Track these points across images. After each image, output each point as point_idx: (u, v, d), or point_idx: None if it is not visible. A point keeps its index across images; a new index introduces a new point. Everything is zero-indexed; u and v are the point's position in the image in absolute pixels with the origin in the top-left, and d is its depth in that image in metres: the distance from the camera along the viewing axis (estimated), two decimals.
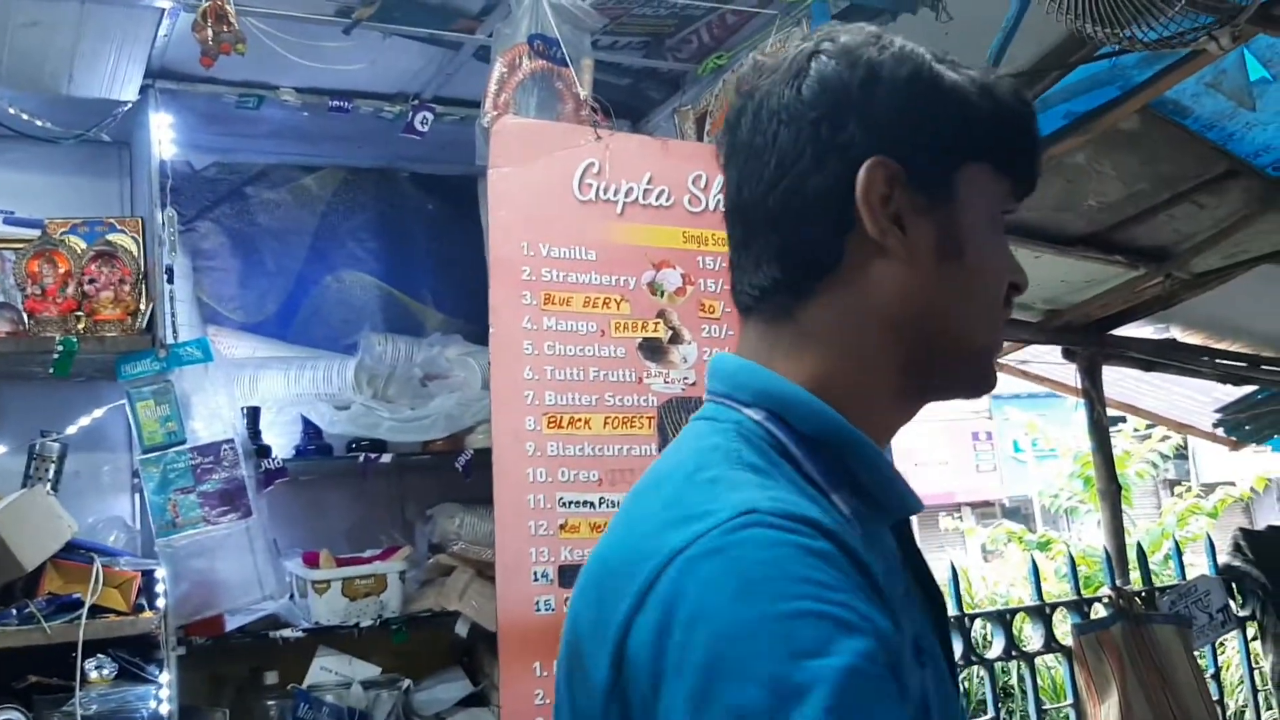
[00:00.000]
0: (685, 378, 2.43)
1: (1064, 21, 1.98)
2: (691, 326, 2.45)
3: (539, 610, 2.21)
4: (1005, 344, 4.92)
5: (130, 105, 2.75)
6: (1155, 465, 8.32)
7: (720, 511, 0.78)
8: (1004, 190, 0.96)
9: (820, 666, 0.69)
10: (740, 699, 0.69)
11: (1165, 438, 8.02)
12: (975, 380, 0.98)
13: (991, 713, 4.04)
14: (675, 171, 2.49)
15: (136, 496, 2.98)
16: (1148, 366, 4.88)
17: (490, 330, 2.30)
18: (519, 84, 2.40)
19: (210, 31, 2.05)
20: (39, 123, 2.74)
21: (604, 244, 2.41)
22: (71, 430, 2.76)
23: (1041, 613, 4.11)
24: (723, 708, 0.69)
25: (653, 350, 2.42)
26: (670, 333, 2.44)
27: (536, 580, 2.22)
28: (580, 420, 2.33)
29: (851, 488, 0.88)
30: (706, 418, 0.94)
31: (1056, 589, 5.88)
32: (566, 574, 2.24)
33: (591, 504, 2.30)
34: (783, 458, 0.88)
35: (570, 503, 2.28)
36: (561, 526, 2.26)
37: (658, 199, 2.47)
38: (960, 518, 10.77)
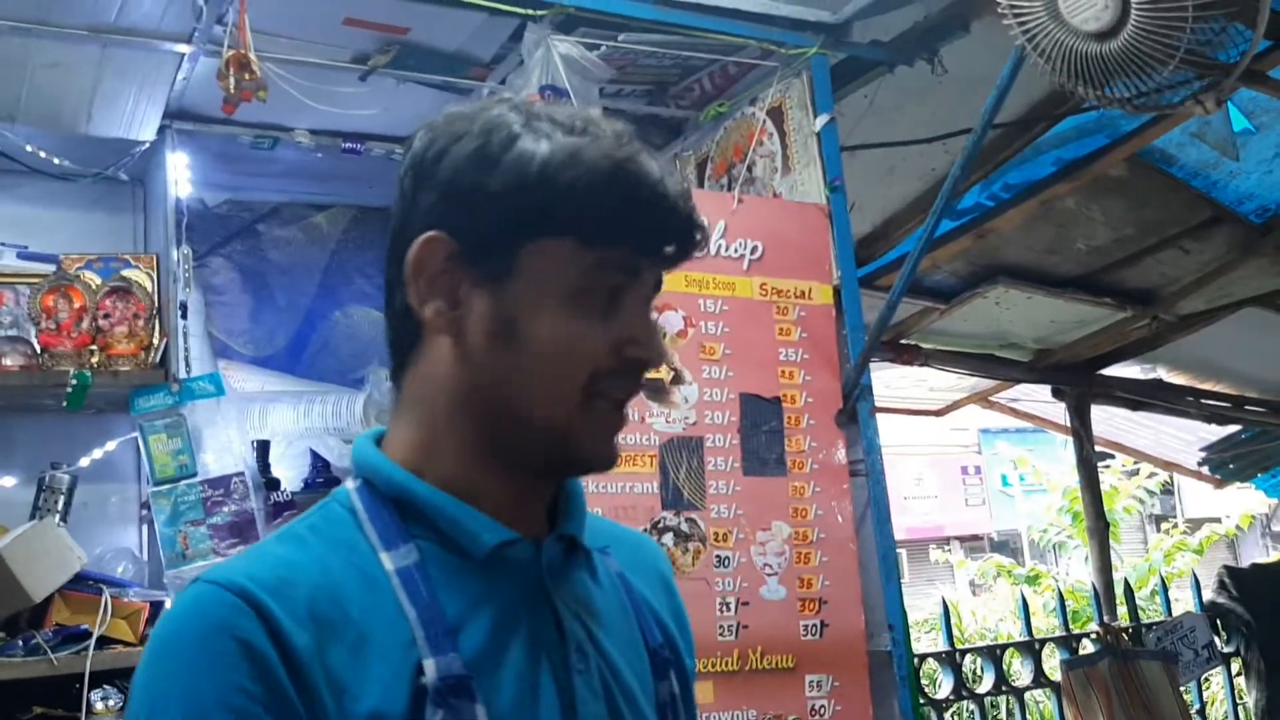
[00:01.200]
0: (686, 418, 2.49)
1: (1054, 82, 2.06)
2: (693, 368, 2.52)
3: None
4: (996, 381, 5.01)
5: (147, 145, 2.82)
6: (1142, 501, 8.40)
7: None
8: (598, 260, 0.92)
9: None
10: None
11: (1152, 474, 8.10)
12: (561, 461, 0.98)
13: None
14: None
15: (145, 528, 3.02)
16: (1135, 406, 4.97)
17: None
18: None
19: (233, 80, 2.12)
20: (56, 160, 2.81)
21: None
22: (84, 463, 2.81)
23: (1031, 648, 4.17)
24: None
25: (655, 391, 2.48)
26: (672, 374, 2.50)
27: None
28: None
29: (433, 539, 0.94)
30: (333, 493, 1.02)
31: (1045, 623, 5.94)
32: None
33: None
34: (351, 524, 0.95)
35: None
36: None
37: None
38: (949, 551, 10.81)
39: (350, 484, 0.99)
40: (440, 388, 0.96)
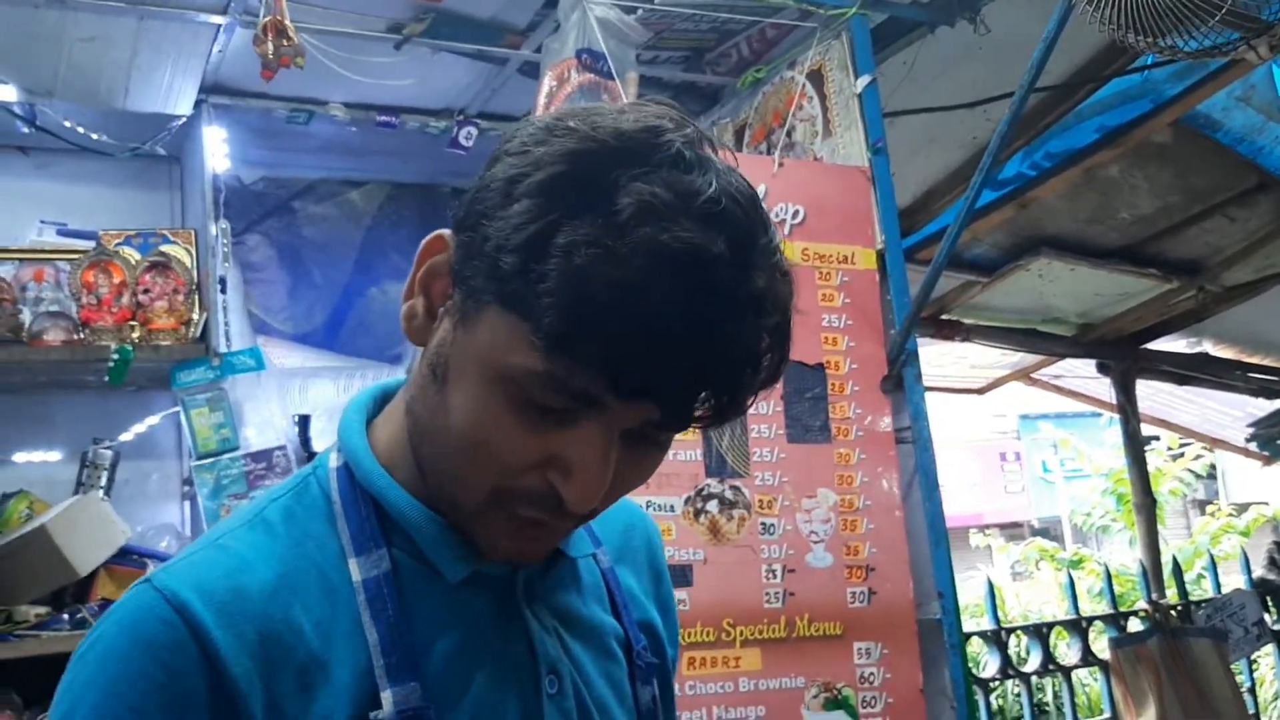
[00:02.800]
0: None
1: (1105, 30, 2.01)
2: None
3: None
4: (1039, 357, 4.94)
5: (184, 119, 2.82)
6: (1188, 484, 8.28)
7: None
8: (550, 373, 0.74)
9: None
10: None
11: (1198, 456, 7.99)
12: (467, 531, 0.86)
13: None
14: None
15: (186, 504, 3.03)
16: (1181, 380, 4.88)
17: None
18: (567, 97, 2.44)
19: (270, 45, 2.11)
20: (94, 136, 2.81)
21: None
22: (126, 437, 2.82)
23: (1078, 627, 4.11)
24: None
25: None
26: None
27: None
28: None
29: (405, 547, 0.86)
30: (318, 456, 0.93)
31: (1090, 607, 5.86)
32: None
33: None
34: (325, 514, 0.87)
35: None
36: None
37: None
38: (990, 535, 10.72)
39: (333, 460, 0.90)
40: (412, 393, 0.87)
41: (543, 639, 0.91)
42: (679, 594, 2.22)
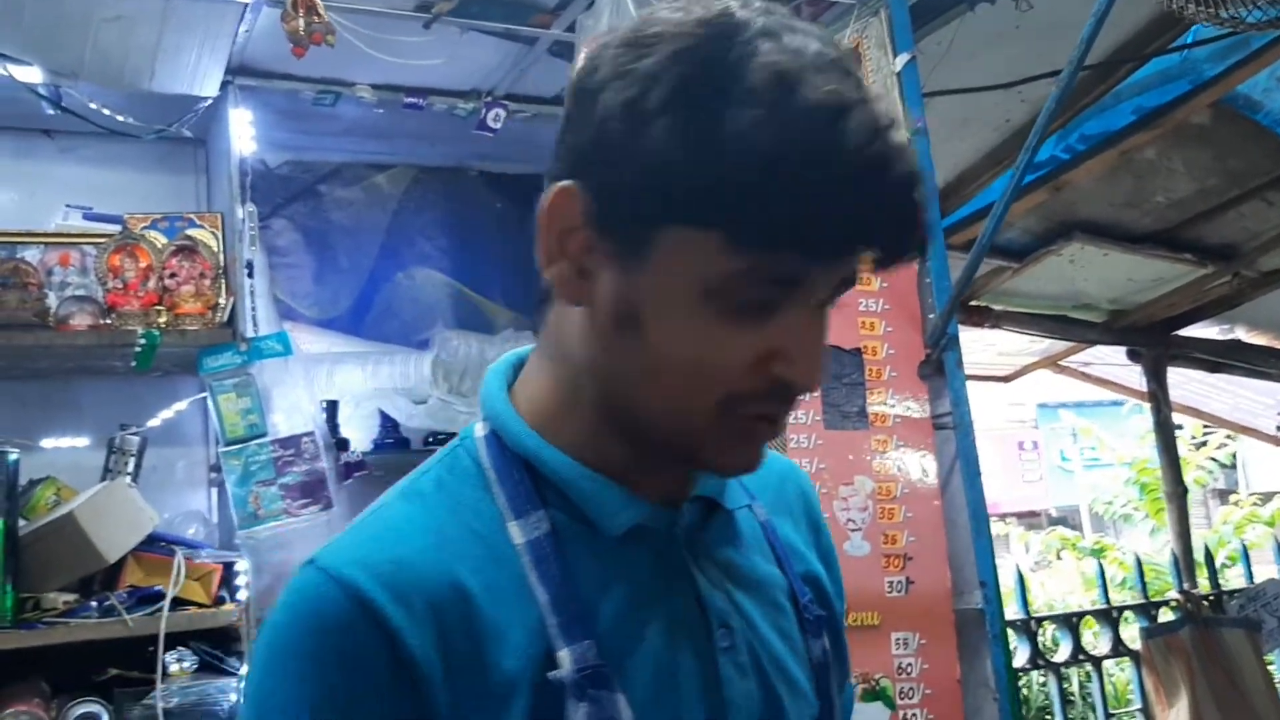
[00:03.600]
0: None
1: (1162, 2, 1.95)
2: None
3: None
4: (1067, 345, 4.88)
5: (209, 101, 2.78)
6: (1211, 473, 8.22)
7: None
8: (750, 267, 0.75)
9: None
10: None
11: (1221, 444, 7.92)
12: (690, 463, 0.88)
13: (1059, 716, 4.00)
14: None
15: (213, 491, 3.00)
16: (1213, 368, 4.83)
17: None
18: None
19: (301, 22, 2.07)
20: (120, 118, 2.77)
21: None
22: (154, 423, 2.79)
23: (1109, 616, 4.07)
24: None
25: None
26: None
27: None
28: None
29: (562, 507, 0.85)
30: (464, 429, 0.94)
31: (1115, 597, 5.81)
32: None
33: None
34: (478, 481, 0.87)
35: None
36: None
37: None
38: (1009, 524, 10.66)
39: (479, 429, 0.90)
40: (569, 352, 0.85)
41: (710, 592, 0.89)
42: None
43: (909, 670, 2.34)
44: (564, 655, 0.80)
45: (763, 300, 0.77)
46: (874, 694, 2.30)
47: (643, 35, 0.77)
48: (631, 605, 0.85)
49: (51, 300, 2.61)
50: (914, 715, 2.31)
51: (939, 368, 2.49)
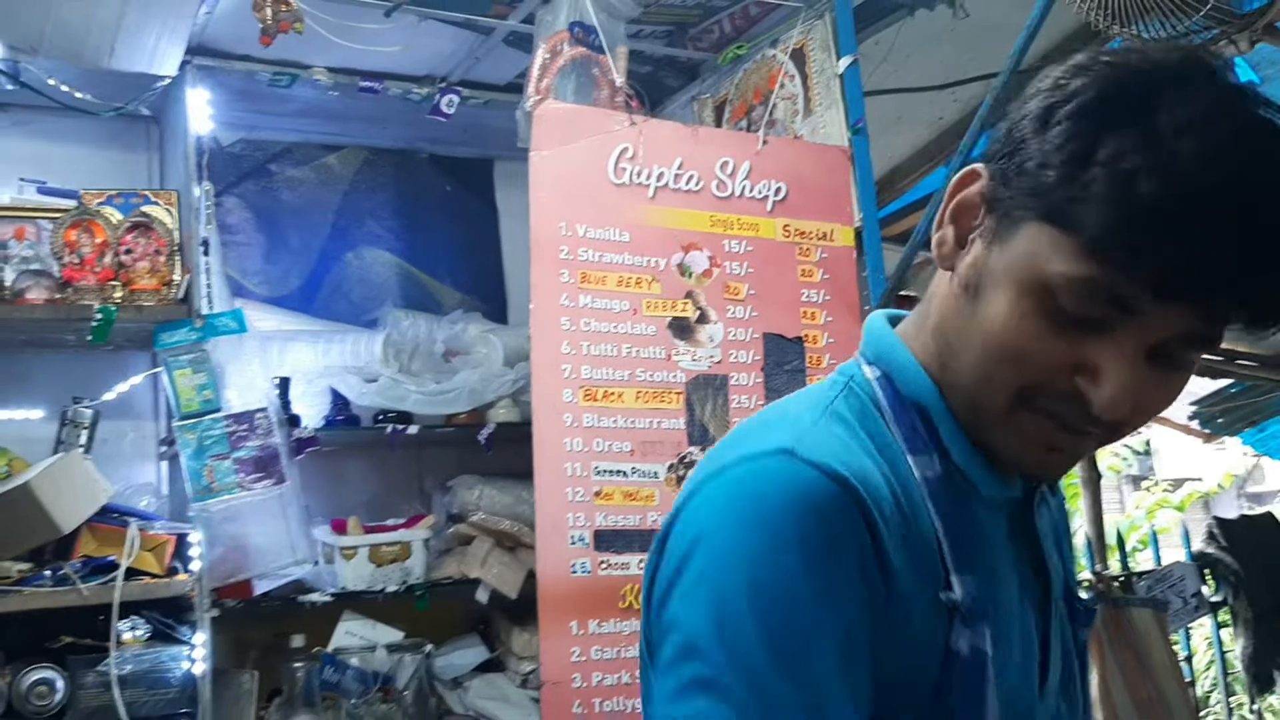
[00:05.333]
0: (711, 356, 2.52)
1: (1091, 18, 2.08)
2: (718, 307, 2.55)
3: (575, 572, 2.30)
4: None
5: (168, 80, 2.81)
6: (1125, 460, 8.50)
7: (762, 445, 0.87)
8: (1093, 278, 0.78)
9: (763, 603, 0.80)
10: (692, 616, 0.82)
11: (1136, 432, 8.20)
12: (990, 452, 0.92)
13: None
14: (704, 157, 2.58)
15: (163, 464, 3.04)
16: None
17: (530, 306, 2.39)
18: (559, 69, 2.48)
19: (270, 11, 2.12)
20: (78, 94, 2.79)
21: (636, 226, 2.50)
22: (109, 396, 2.82)
23: None
24: (672, 617, 0.84)
25: (681, 329, 2.51)
26: (698, 313, 2.53)
27: (573, 544, 2.31)
28: (614, 394, 2.42)
29: (945, 455, 0.91)
30: (839, 370, 0.99)
31: None
32: (601, 538, 2.33)
33: (624, 473, 2.40)
34: (877, 415, 0.92)
35: (604, 471, 2.38)
36: (596, 494, 2.36)
37: (687, 183, 2.56)
38: None
39: (868, 372, 0.95)
40: (940, 313, 0.91)
41: (1051, 564, 0.99)
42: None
43: None
44: (956, 581, 0.87)
45: (1094, 316, 0.80)
46: None
47: (1099, 59, 0.82)
48: (995, 556, 0.93)
49: (7, 273, 2.63)
50: None
51: None
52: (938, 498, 0.89)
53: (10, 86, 2.75)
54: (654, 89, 3.27)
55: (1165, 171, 0.74)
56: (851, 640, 0.81)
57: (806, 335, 2.61)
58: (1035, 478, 0.95)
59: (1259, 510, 5.83)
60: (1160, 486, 8.65)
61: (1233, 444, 6.96)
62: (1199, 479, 8.88)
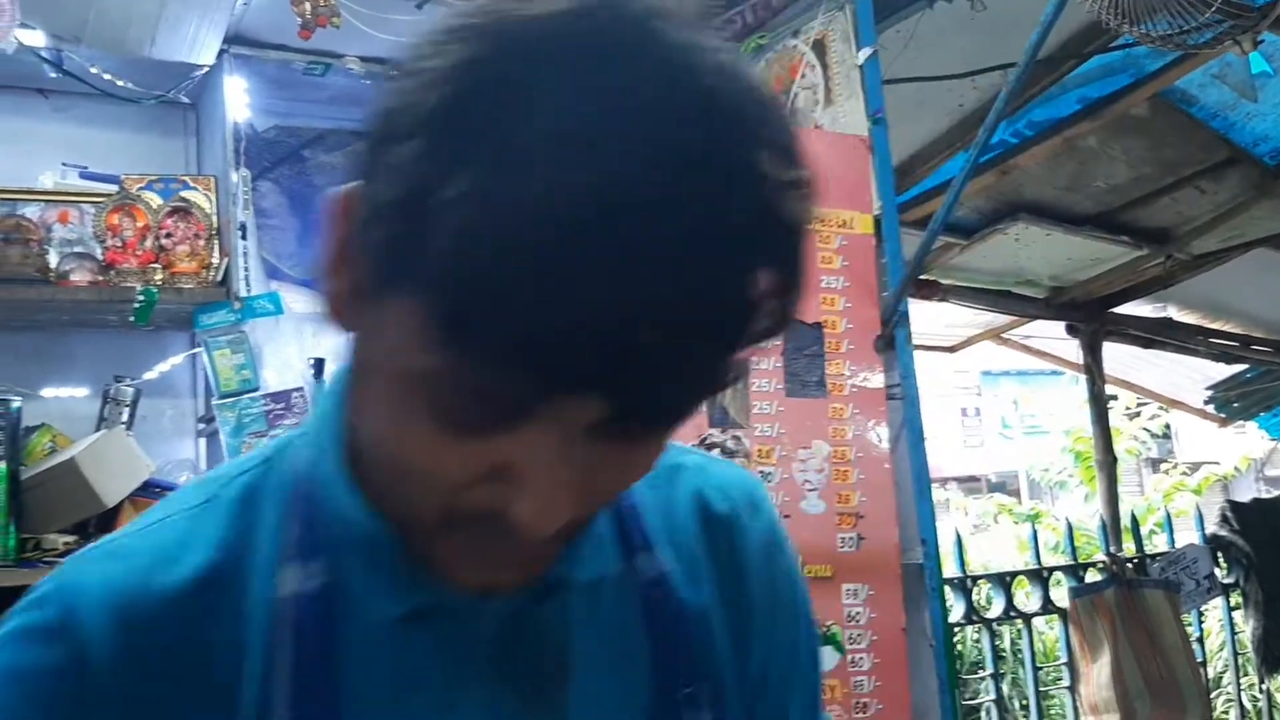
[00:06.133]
0: None
1: (1102, 16, 2.14)
2: None
3: None
4: (1011, 317, 5.11)
5: (206, 69, 2.90)
6: (1144, 443, 8.56)
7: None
8: (455, 364, 0.54)
9: None
10: None
11: (1154, 416, 8.24)
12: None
13: (990, 669, 4.24)
14: None
15: (202, 441, 3.14)
16: (1146, 343, 5.07)
17: None
18: None
19: (308, 5, 2.20)
20: (120, 82, 2.88)
21: None
22: (150, 375, 2.92)
23: (1040, 576, 4.30)
24: None
25: None
26: None
27: None
28: None
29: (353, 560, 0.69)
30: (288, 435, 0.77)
31: (1048, 560, 6.07)
32: None
33: None
34: (288, 497, 0.71)
35: None
36: None
37: None
38: (948, 490, 10.98)
39: (304, 444, 0.73)
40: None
41: (500, 706, 0.70)
42: None
43: (858, 618, 2.54)
44: None
45: (488, 415, 0.57)
46: (825, 639, 2.49)
47: (468, 20, 0.58)
48: (396, 695, 0.68)
49: (52, 256, 2.72)
50: (861, 659, 2.51)
51: (891, 342, 2.69)
52: (299, 625, 0.67)
53: (53, 74, 2.84)
54: None
55: (511, 229, 0.51)
56: None
57: (825, 321, 2.68)
58: (488, 594, 0.67)
59: (1275, 494, 5.87)
60: (1179, 470, 8.69)
61: (1253, 428, 6.99)
62: (1217, 463, 8.93)
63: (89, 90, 2.99)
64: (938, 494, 11.67)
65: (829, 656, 2.50)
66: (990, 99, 3.41)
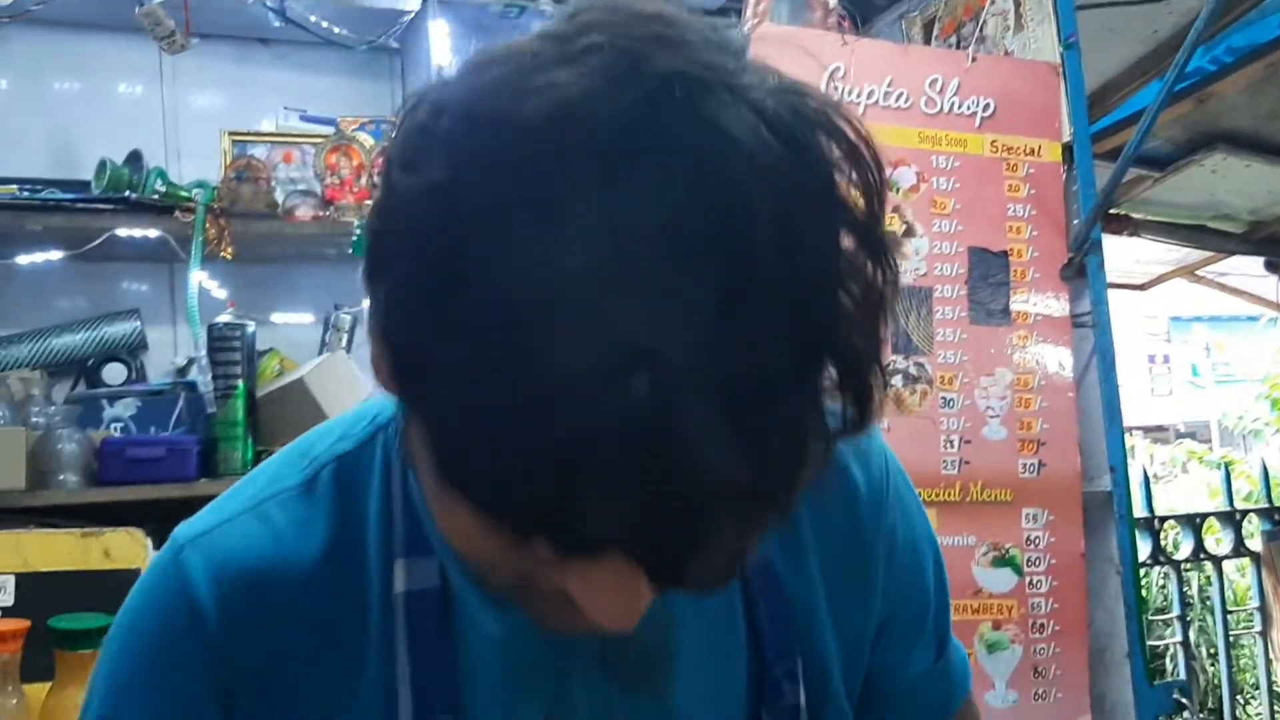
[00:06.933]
0: (917, 269, 2.63)
1: None
2: (924, 222, 2.65)
3: None
4: (1203, 254, 4.94)
5: (412, 14, 3.08)
6: None
7: (189, 525, 0.74)
8: (478, 517, 0.53)
9: None
10: None
11: None
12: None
13: (1177, 610, 4.18)
14: (913, 75, 2.67)
15: None
16: None
17: None
18: None
19: None
20: (335, 30, 3.09)
21: None
22: (365, 304, 3.15)
23: (1231, 519, 4.20)
24: None
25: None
26: (904, 226, 2.64)
27: None
28: None
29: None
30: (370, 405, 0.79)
31: (1239, 506, 5.87)
32: None
33: None
34: (383, 489, 0.73)
35: None
36: None
37: (896, 101, 2.66)
38: (1133, 437, 10.63)
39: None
40: None
41: (608, 696, 0.73)
42: None
43: (1037, 543, 2.57)
44: None
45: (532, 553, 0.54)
46: (1004, 561, 2.54)
47: (449, 124, 0.52)
48: (507, 693, 0.71)
49: (278, 193, 2.96)
50: (1040, 581, 2.55)
51: (1081, 270, 2.68)
52: (419, 619, 0.69)
53: (278, 24, 3.06)
54: (863, 7, 3.34)
55: (515, 388, 0.48)
56: None
57: (1011, 250, 2.69)
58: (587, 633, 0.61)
59: None
60: None
61: None
62: None
63: (306, 39, 3.21)
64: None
65: (1006, 578, 2.54)
66: (1187, 24, 3.30)
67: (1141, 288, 5.35)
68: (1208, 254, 4.90)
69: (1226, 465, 4.97)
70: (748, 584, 0.77)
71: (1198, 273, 5.20)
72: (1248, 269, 5.06)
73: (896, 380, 2.57)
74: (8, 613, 2.31)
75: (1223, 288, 5.46)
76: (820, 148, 0.52)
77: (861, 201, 0.53)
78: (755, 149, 0.49)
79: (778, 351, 0.49)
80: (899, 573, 0.85)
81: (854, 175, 0.53)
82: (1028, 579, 2.54)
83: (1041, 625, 2.55)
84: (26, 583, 1.87)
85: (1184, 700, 2.43)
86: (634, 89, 0.48)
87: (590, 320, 0.46)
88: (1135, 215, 4.34)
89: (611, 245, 0.46)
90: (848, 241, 0.52)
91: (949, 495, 2.53)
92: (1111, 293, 5.14)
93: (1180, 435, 13.73)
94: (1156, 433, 13.95)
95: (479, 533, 0.54)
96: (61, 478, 2.54)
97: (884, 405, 0.57)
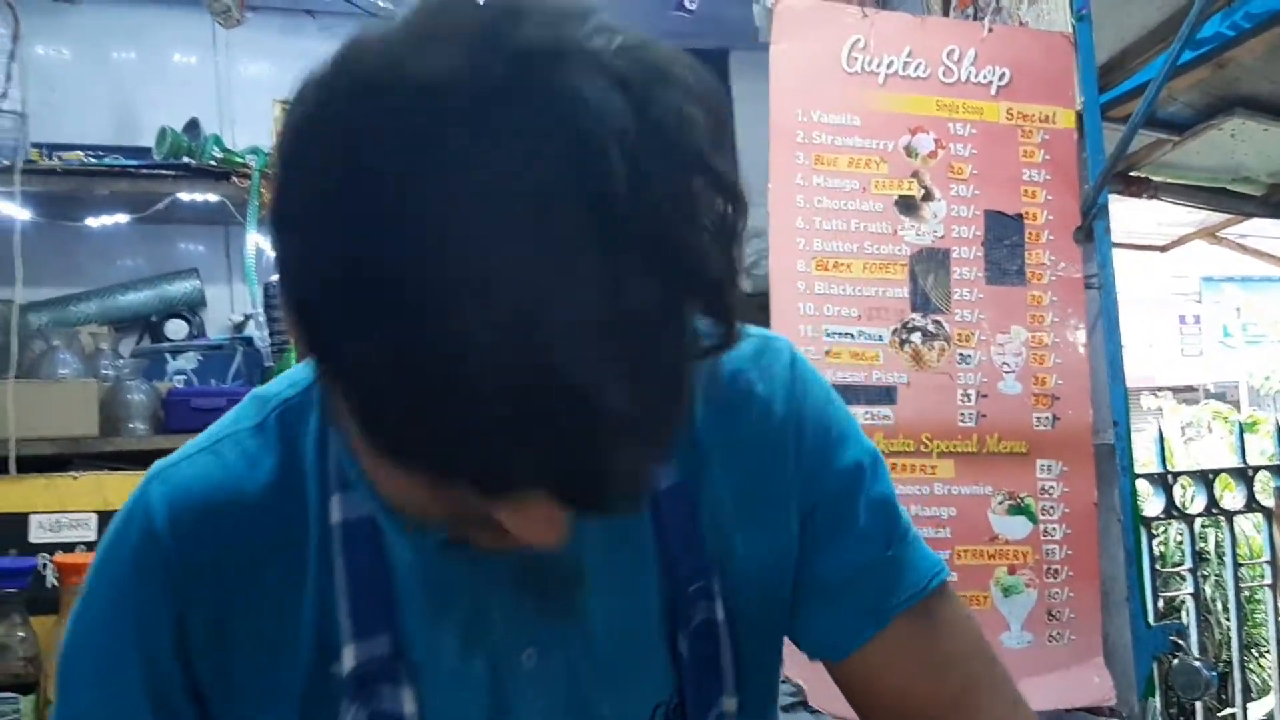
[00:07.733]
0: (935, 231, 2.76)
1: None
2: (941, 186, 2.78)
3: None
4: (1225, 216, 5.02)
5: None
6: None
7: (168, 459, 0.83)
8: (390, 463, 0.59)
9: None
10: None
11: None
12: None
13: (1189, 563, 4.29)
14: (931, 46, 2.79)
15: None
16: None
17: (769, 185, 2.69)
18: None
19: None
20: (381, 2, 3.22)
21: (866, 111, 2.74)
22: None
23: (1244, 475, 4.30)
24: None
25: (907, 206, 2.76)
26: (923, 191, 2.77)
27: None
28: (843, 265, 2.70)
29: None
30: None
31: (1254, 462, 5.95)
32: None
33: (851, 335, 2.69)
34: (309, 431, 0.81)
35: (834, 333, 2.68)
36: (826, 353, 2.66)
37: (915, 71, 2.78)
38: (1162, 397, 10.68)
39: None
40: None
41: (522, 607, 0.80)
42: (883, 410, 2.60)
43: (1051, 492, 2.71)
44: (349, 651, 0.76)
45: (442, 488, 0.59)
46: (1019, 509, 2.68)
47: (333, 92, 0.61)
48: (441, 603, 0.78)
49: None
50: (1053, 529, 2.69)
51: (1090, 234, 2.81)
52: (353, 543, 0.77)
53: None
54: None
55: (419, 353, 0.53)
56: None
57: (1026, 213, 2.81)
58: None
59: None
60: None
61: None
62: None
63: (351, 10, 3.35)
64: (1150, 401, 11.35)
65: (1022, 525, 2.69)
66: None
67: (1163, 249, 5.43)
68: (1228, 216, 4.98)
69: (1241, 425, 5.06)
70: (657, 507, 0.83)
71: (1218, 234, 5.28)
72: (1269, 230, 5.13)
73: (915, 337, 2.70)
74: (90, 547, 2.52)
75: (1244, 249, 5.54)
76: (663, 99, 0.58)
77: (707, 143, 0.59)
78: (605, 108, 0.55)
79: (646, 285, 0.55)
80: (808, 459, 0.90)
81: (697, 119, 0.59)
82: (1042, 527, 2.68)
83: (1055, 571, 2.69)
84: (106, 520, 2.05)
85: (1180, 641, 2.57)
86: (496, 66, 0.55)
87: (482, 281, 0.51)
88: (1155, 178, 4.43)
89: (496, 208, 0.52)
90: (698, 181, 0.58)
91: (966, 447, 2.68)
92: (1137, 254, 5.26)
93: (1209, 395, 13.74)
94: (1185, 393, 13.96)
95: (404, 481, 0.59)
96: (131, 425, 2.73)
97: (745, 319, 0.65)
